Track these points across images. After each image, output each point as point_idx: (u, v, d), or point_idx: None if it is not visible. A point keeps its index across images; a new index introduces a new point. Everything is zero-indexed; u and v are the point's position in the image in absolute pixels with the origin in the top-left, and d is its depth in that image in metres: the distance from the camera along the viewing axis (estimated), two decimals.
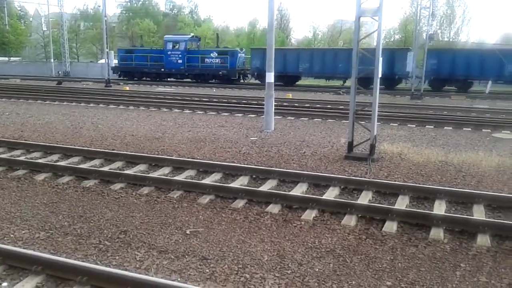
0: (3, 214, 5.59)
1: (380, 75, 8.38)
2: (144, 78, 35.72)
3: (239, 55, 33.98)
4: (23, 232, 5.04)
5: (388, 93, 25.46)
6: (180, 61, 34.21)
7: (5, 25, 61.68)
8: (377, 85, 8.44)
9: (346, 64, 28.73)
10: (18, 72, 44.37)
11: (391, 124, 13.40)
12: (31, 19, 76.55)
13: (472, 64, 27.05)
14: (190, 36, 37.24)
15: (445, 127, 12.94)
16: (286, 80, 31.94)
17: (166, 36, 38.41)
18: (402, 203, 6.04)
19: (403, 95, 25.07)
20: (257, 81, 33.45)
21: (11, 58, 62.38)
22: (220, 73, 33.35)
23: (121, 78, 36.13)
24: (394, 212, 5.49)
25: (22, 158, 8.28)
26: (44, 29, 57.60)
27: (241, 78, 35.06)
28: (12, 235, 4.94)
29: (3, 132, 10.96)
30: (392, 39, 59.67)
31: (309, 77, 34.05)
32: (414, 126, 13.21)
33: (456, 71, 27.39)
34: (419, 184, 6.88)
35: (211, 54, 33.86)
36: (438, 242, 4.93)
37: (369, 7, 8.50)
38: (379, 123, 9.86)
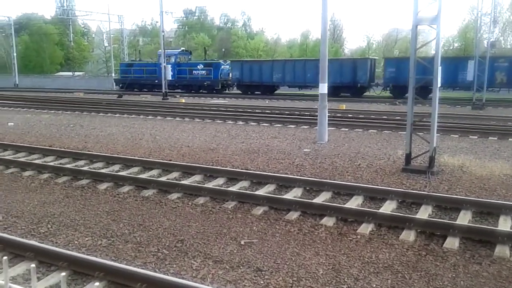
0: (68, 221, 5.89)
1: (439, 85, 8.11)
2: (139, 89, 38.99)
3: (222, 67, 36.34)
4: (86, 239, 5.28)
5: (448, 103, 24.55)
6: (171, 73, 36.57)
7: (70, 41, 65.54)
8: (436, 95, 8.17)
9: (314, 73, 30.27)
10: (82, 86, 46.81)
11: (451, 135, 12.89)
12: (93, 35, 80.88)
13: (430, 70, 27.16)
14: (179, 50, 40.42)
15: (509, 139, 12.26)
16: (263, 89, 34.15)
17: (159, 51, 41.06)
18: (464, 219, 5.78)
19: (463, 105, 24.09)
20: (238, 91, 36.01)
21: (75, 72, 66.06)
22: (205, 83, 36.02)
23: (123, 89, 39.50)
24: (456, 227, 5.26)
25: (85, 168, 8.70)
26: (106, 44, 60.69)
27: (226, 88, 37.36)
28: (76, 242, 5.18)
29: (68, 143, 11.58)
30: (451, 47, 57.65)
31: (283, 86, 35.68)
32: (476, 137, 12.64)
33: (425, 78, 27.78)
34: (482, 198, 6.56)
35: (198, 67, 36.69)
36: (504, 260, 4.66)
37: (426, 16, 8.27)
38: (438, 134, 9.53)
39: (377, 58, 35.16)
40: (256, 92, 34.76)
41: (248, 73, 35.00)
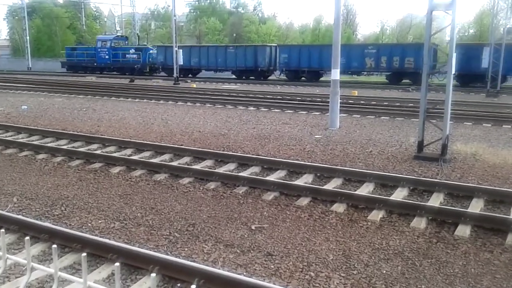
0: (82, 204, 5.97)
1: (453, 72, 8.01)
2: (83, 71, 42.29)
3: (150, 51, 39.80)
4: (100, 221, 5.35)
5: (462, 90, 24.28)
6: (107, 56, 40.94)
7: (82, 25, 65.63)
8: (450, 82, 8.07)
9: (224, 58, 36.11)
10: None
11: (464, 123, 12.76)
12: (105, 19, 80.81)
13: (315, 57, 32.59)
14: (115, 35, 44.57)
15: None
16: (184, 72, 36.21)
17: (98, 36, 45.82)
18: (476, 207, 5.75)
19: (477, 92, 23.78)
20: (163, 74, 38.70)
21: None
22: (136, 66, 38.99)
23: (69, 71, 43.42)
24: (467, 215, 5.24)
25: (98, 151, 8.78)
26: (118, 28, 60.69)
27: (155, 71, 40.19)
28: (89, 224, 5.27)
29: (81, 127, 11.68)
30: (466, 34, 56.71)
31: (201, 70, 38.81)
32: (489, 125, 12.50)
33: (310, 64, 32.93)
34: (495, 187, 6.51)
35: (130, 51, 40.35)
36: None
37: (442, 1, 8.14)
38: (451, 122, 9.44)
39: (276, 45, 38.19)
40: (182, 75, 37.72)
41: (170, 57, 36.89)
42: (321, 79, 34.25)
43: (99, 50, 41.32)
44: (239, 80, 34.57)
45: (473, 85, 27.20)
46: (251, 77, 35.93)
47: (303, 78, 34.44)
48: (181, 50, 32.09)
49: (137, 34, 50.35)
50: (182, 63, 32.45)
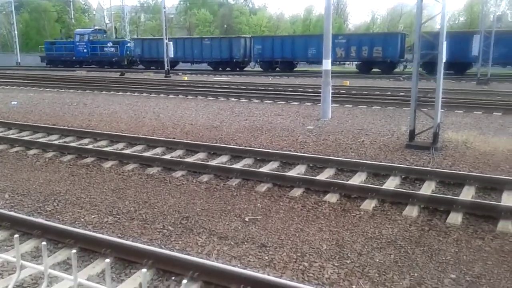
0: (74, 199, 5.94)
1: (444, 60, 8.03)
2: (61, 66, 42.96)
3: (128, 44, 40.85)
4: (93, 216, 5.33)
5: (453, 78, 24.35)
6: (85, 50, 41.59)
7: (71, 18, 64.97)
8: (441, 70, 8.09)
9: (200, 50, 36.82)
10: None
11: (455, 111, 12.83)
12: (94, 12, 79.98)
13: (287, 48, 33.25)
14: (92, 29, 44.94)
15: None
16: (160, 64, 35.91)
17: (76, 30, 46.56)
18: (467, 194, 5.80)
19: (468, 80, 23.88)
20: (141, 66, 40.08)
21: None
22: (114, 59, 40.22)
23: (48, 66, 43.58)
24: (459, 203, 5.28)
25: (90, 146, 8.73)
26: (107, 21, 60.22)
27: (133, 64, 41.13)
28: (82, 219, 5.24)
29: (72, 122, 11.59)
30: (456, 22, 56.82)
31: (178, 62, 39.04)
32: (480, 113, 12.57)
33: (283, 54, 33.52)
34: (486, 174, 6.57)
35: (108, 44, 40.90)
36: (506, 234, 4.70)
37: None
38: (442, 110, 9.48)
39: (250, 36, 38.77)
40: (152, 67, 38.49)
41: (148, 49, 38.48)
42: (295, 69, 34.86)
43: (77, 44, 41.84)
44: (223, 72, 34.98)
45: (452, 75, 26.90)
46: (227, 69, 36.41)
47: (277, 69, 34.79)
48: (171, 43, 31.85)
49: (115, 27, 50.91)
50: (172, 56, 32.15)
